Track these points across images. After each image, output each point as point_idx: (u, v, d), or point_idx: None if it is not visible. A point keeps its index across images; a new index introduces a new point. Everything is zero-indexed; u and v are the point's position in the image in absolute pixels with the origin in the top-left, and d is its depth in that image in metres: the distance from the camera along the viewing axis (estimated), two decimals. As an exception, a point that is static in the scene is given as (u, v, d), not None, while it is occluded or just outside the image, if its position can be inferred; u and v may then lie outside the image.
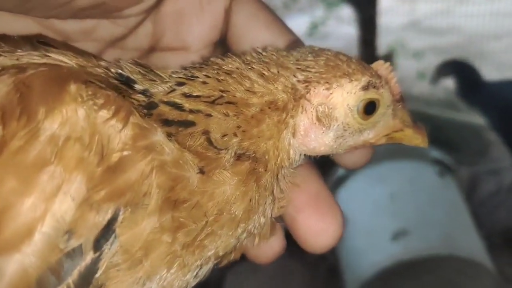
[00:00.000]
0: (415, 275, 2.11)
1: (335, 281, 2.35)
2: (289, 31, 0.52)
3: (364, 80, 0.43)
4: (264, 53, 0.45)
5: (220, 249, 0.42)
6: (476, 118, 3.70)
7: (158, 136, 0.37)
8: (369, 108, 0.44)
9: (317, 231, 0.47)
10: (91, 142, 0.33)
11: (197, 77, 0.43)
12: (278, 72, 0.43)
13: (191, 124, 0.40)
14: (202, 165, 0.39)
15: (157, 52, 0.53)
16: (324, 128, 0.44)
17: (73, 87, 0.34)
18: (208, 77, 0.43)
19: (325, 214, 0.48)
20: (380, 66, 0.46)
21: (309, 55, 0.44)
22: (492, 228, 2.90)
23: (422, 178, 2.43)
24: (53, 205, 0.32)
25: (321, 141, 0.45)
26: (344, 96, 0.43)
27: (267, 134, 0.43)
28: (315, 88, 0.43)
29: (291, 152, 0.45)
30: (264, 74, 0.43)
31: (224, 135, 0.41)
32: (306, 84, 0.43)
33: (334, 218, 0.47)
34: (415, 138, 0.47)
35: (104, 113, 0.34)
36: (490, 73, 5.26)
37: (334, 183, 2.53)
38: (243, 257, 0.48)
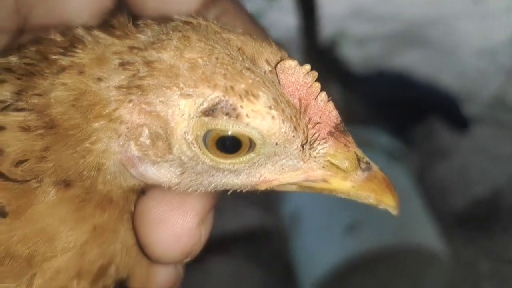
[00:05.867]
0: (370, 268, 2.08)
1: (290, 280, 2.30)
2: None
3: (210, 97, 0.28)
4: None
5: None
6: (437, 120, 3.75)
7: None
8: (230, 145, 0.30)
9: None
10: None
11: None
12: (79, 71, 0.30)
13: None
14: (2, 204, 0.28)
15: (28, 33, 0.41)
16: (153, 160, 0.30)
17: None
18: (9, 70, 0.30)
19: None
20: (290, 72, 0.29)
21: (161, 38, 0.30)
22: (444, 210, 2.92)
23: (372, 167, 2.40)
24: None
25: (158, 174, 0.31)
26: (175, 119, 0.28)
27: (78, 161, 0.30)
28: (131, 102, 0.29)
29: (125, 179, 0.33)
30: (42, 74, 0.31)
31: (22, 161, 0.29)
32: (121, 93, 0.29)
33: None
34: (364, 196, 0.34)
35: None
36: (430, 59, 5.39)
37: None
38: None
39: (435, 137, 3.63)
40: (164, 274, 0.36)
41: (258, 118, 0.28)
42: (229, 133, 0.28)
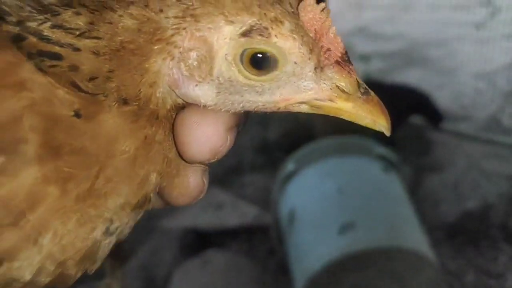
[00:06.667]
0: (361, 267, 2.15)
1: (284, 276, 2.36)
2: None
3: (248, 22, 0.35)
4: None
5: (129, 197, 0.38)
6: (417, 119, 3.86)
7: (27, 71, 0.34)
8: (261, 61, 0.36)
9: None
10: None
11: (72, 6, 0.38)
12: (145, 5, 0.36)
13: (57, 57, 0.36)
14: (78, 108, 0.36)
15: None
16: (196, 81, 0.37)
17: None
18: (83, 6, 0.37)
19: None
20: (309, 9, 0.37)
21: None
22: (434, 223, 3.00)
23: (368, 173, 2.48)
24: None
25: (198, 94, 0.38)
26: (219, 42, 0.35)
27: (137, 80, 0.38)
28: (185, 29, 0.36)
29: (171, 98, 0.40)
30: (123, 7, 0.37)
31: (94, 78, 0.36)
32: (177, 22, 0.36)
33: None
34: (362, 117, 0.38)
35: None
36: (430, 78, 5.48)
37: (283, 178, 2.55)
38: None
39: (430, 151, 3.72)
40: (194, 180, 0.42)
41: (282, 39, 0.35)
42: (261, 49, 0.36)
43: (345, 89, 0.38)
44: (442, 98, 4.90)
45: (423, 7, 6.84)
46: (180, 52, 0.36)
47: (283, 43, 0.36)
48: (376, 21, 7.37)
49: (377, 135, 2.89)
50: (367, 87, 0.39)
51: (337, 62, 0.38)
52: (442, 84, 5.49)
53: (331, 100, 0.38)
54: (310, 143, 2.70)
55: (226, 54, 0.36)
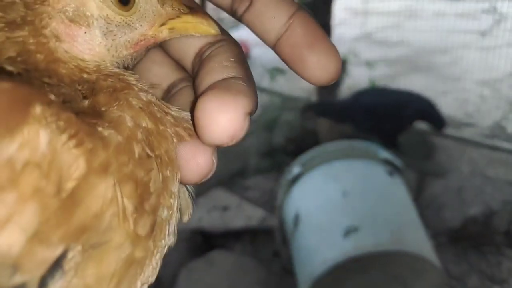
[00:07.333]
0: (365, 271, 2.17)
1: (289, 278, 2.37)
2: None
3: None
4: None
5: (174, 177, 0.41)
6: (421, 124, 3.89)
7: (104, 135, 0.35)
8: None
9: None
10: (50, 169, 0.30)
11: None
12: None
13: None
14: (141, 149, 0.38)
15: None
16: (84, 28, 0.41)
17: (38, 108, 0.31)
18: None
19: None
20: None
21: None
22: (438, 228, 3.02)
23: (373, 177, 2.50)
24: (1, 236, 0.29)
25: (92, 42, 0.42)
26: None
27: (33, 50, 0.39)
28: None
29: (81, 58, 0.42)
30: None
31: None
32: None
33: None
34: (200, 23, 0.43)
35: (64, 138, 0.31)
36: (435, 85, 5.51)
37: (289, 181, 2.57)
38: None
39: (434, 157, 3.74)
40: (205, 160, 0.43)
41: None
42: None
43: (179, 8, 0.44)
44: (447, 105, 4.92)
45: (428, 15, 6.90)
46: (57, 11, 0.40)
47: None
48: (381, 28, 7.42)
49: (381, 140, 2.90)
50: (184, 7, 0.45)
51: None
52: (446, 90, 5.52)
53: (179, 17, 0.44)
54: (315, 147, 2.73)
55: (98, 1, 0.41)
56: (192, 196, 0.44)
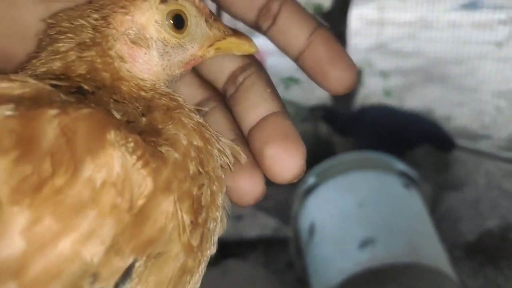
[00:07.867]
0: (380, 283, 2.15)
1: (303, 289, 2.37)
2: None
3: None
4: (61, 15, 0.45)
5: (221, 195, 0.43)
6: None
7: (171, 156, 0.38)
8: (178, 21, 0.45)
9: (283, 164, 0.45)
10: (123, 188, 0.34)
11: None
12: (73, 24, 0.44)
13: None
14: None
15: None
16: (144, 49, 0.45)
17: (112, 133, 0.35)
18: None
19: (290, 147, 0.46)
20: None
21: None
22: (454, 242, 2.99)
23: (389, 188, 2.49)
24: (85, 248, 0.33)
25: (151, 62, 0.45)
26: (146, 15, 0.44)
27: (101, 72, 0.43)
28: (114, 19, 0.44)
29: (140, 77, 0.45)
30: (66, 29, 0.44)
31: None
32: (104, 19, 0.44)
33: (298, 150, 0.45)
34: (242, 44, 0.47)
35: (134, 159, 0.35)
36: (450, 95, 5.49)
37: (304, 192, 2.57)
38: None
39: (450, 169, 3.72)
40: (252, 185, 0.46)
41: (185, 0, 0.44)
42: (176, 10, 0.44)
43: (224, 31, 0.47)
44: (462, 116, 4.89)
45: (443, 25, 6.88)
46: (120, 33, 0.44)
47: (183, 2, 0.45)
48: (396, 38, 7.41)
49: (397, 152, 2.88)
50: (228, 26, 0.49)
51: (211, 15, 0.47)
52: (462, 102, 5.49)
53: (225, 39, 0.47)
54: (331, 157, 2.73)
55: (155, 21, 0.43)
56: (228, 215, 0.47)
